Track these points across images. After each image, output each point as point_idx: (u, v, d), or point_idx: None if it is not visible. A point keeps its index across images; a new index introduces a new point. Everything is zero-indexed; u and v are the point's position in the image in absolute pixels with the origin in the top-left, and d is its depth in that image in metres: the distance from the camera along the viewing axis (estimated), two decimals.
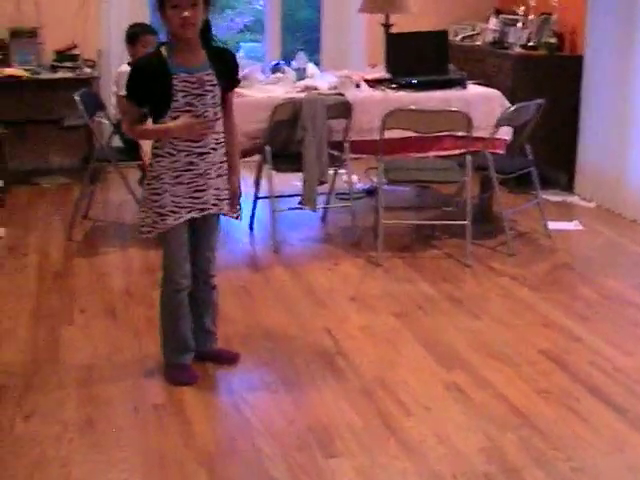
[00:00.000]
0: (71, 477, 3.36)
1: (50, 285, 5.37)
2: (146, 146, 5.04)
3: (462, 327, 4.79)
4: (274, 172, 5.96)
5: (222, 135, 3.96)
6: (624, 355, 4.45)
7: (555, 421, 3.79)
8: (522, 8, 7.98)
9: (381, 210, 5.81)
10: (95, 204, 6.83)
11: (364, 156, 6.44)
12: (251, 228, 6.45)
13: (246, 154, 6.12)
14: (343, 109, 6.01)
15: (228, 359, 4.31)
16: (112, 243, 6.18)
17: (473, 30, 8.66)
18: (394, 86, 6.41)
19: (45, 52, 7.79)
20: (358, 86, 6.38)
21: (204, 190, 3.91)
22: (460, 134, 5.87)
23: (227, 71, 3.93)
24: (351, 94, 6.17)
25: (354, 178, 6.80)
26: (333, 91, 6.26)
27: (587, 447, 3.59)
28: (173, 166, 3.85)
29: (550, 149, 7.38)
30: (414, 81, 6.39)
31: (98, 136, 6.42)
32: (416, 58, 6.66)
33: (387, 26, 7.24)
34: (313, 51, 8.63)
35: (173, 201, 3.87)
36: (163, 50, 3.80)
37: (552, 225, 6.44)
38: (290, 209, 6.27)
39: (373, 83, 6.49)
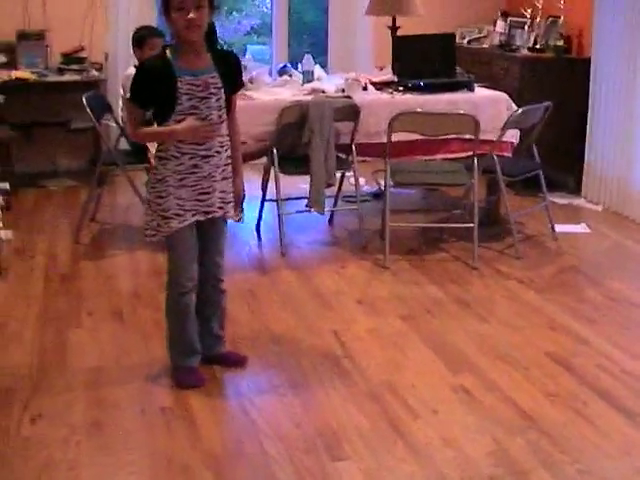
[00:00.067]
0: None
1: (57, 288, 5.37)
2: (153, 148, 5.04)
3: (469, 330, 4.79)
4: (281, 175, 5.96)
5: (227, 138, 3.96)
6: (631, 358, 4.44)
7: (562, 424, 3.78)
8: (529, 11, 7.98)
9: (388, 213, 5.81)
10: (102, 207, 6.84)
11: (370, 159, 6.46)
12: (258, 231, 6.45)
13: (253, 157, 6.13)
14: (350, 112, 6.00)
15: (235, 362, 4.31)
16: (119, 246, 6.18)
17: (480, 33, 8.66)
18: (401, 89, 6.40)
19: (52, 55, 7.80)
20: (365, 89, 6.37)
21: (209, 193, 3.91)
22: (467, 137, 5.86)
23: (231, 74, 3.93)
24: (358, 97, 6.17)
25: (361, 181, 6.79)
26: (340, 94, 6.26)
27: (594, 450, 3.58)
28: (177, 169, 3.85)
29: (557, 152, 7.36)
30: (421, 84, 6.38)
31: (105, 139, 6.43)
32: (423, 61, 6.66)
33: (394, 29, 7.24)
34: (320, 54, 8.63)
35: (178, 204, 3.87)
36: (168, 53, 3.80)
37: (559, 228, 6.44)
38: (297, 212, 6.27)
39: (380, 86, 6.49)
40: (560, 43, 7.63)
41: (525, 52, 7.82)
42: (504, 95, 6.48)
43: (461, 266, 5.79)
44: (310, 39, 10.84)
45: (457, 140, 6.15)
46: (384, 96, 6.33)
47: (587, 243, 6.38)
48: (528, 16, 7.99)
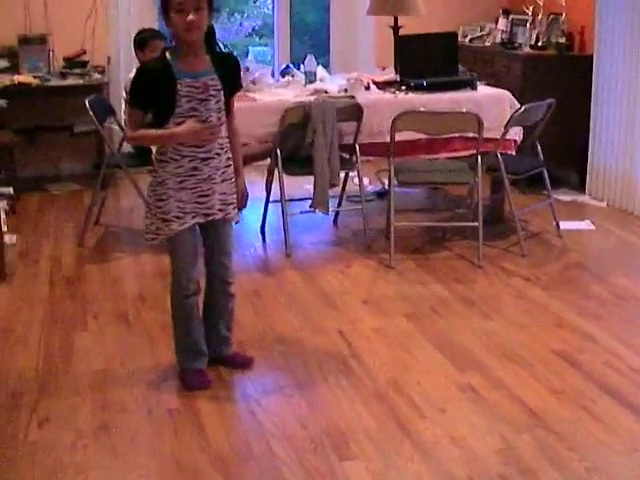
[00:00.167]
0: None
1: (62, 291, 5.38)
2: None
3: (475, 328, 4.79)
4: (285, 176, 5.96)
5: (226, 140, 3.96)
6: (638, 354, 4.44)
7: (569, 421, 3.78)
8: (531, 8, 7.98)
9: (393, 212, 5.81)
10: (106, 210, 6.85)
11: (373, 158, 6.47)
12: (263, 232, 6.44)
13: (257, 158, 6.14)
14: (353, 112, 6.00)
15: (242, 363, 4.31)
16: (124, 248, 6.19)
17: (482, 31, 8.66)
18: (404, 88, 6.41)
19: (54, 59, 7.80)
20: (368, 88, 6.38)
21: (209, 195, 3.91)
22: (470, 135, 5.87)
23: (231, 76, 3.93)
24: (361, 97, 6.17)
25: (365, 181, 6.79)
26: (343, 94, 6.27)
27: (602, 447, 3.58)
28: (177, 171, 3.85)
29: (561, 149, 7.37)
30: (424, 83, 6.39)
31: (109, 142, 6.43)
32: (425, 60, 6.66)
33: (396, 28, 7.23)
34: (322, 54, 8.63)
35: (178, 206, 3.86)
36: (167, 55, 3.80)
37: (564, 225, 6.44)
38: (302, 212, 6.27)
39: (383, 85, 6.49)
40: (562, 40, 7.63)
41: (527, 50, 7.82)
42: (507, 93, 6.48)
43: (466, 265, 5.79)
44: (312, 40, 10.83)
45: (460, 139, 6.16)
46: (387, 96, 6.33)
47: (592, 240, 6.37)
48: (530, 14, 7.99)
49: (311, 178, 5.98)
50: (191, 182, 3.86)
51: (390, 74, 6.72)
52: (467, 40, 8.61)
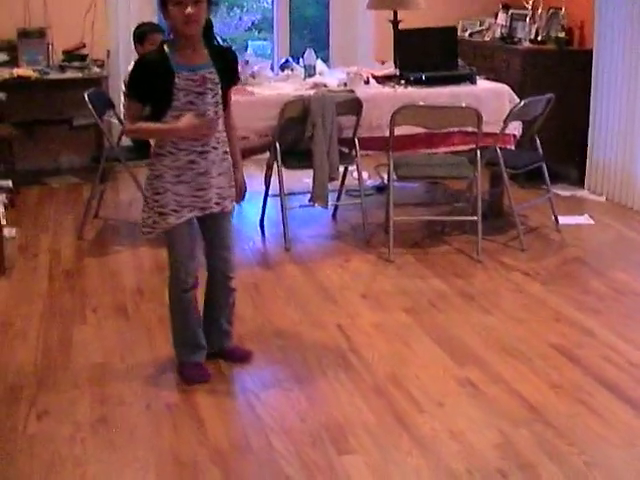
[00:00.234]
0: (86, 476, 3.36)
1: (62, 285, 5.38)
2: None
3: (474, 323, 4.79)
4: (284, 169, 5.95)
5: (223, 134, 3.96)
6: (636, 349, 4.44)
7: (568, 416, 3.78)
8: (530, 2, 7.97)
9: (392, 206, 5.81)
10: (105, 203, 6.85)
11: (372, 153, 6.47)
12: (262, 226, 6.44)
13: (256, 152, 6.14)
14: (353, 106, 6.00)
15: (241, 357, 4.31)
16: (123, 242, 6.19)
17: (482, 25, 8.64)
18: (403, 82, 6.40)
19: (54, 52, 7.79)
20: (367, 82, 6.37)
21: (205, 189, 3.90)
22: (470, 130, 5.86)
23: (228, 70, 3.93)
24: (361, 91, 6.16)
25: (364, 175, 6.79)
26: (342, 88, 6.26)
27: (600, 441, 3.58)
28: (174, 165, 3.85)
29: (560, 143, 7.37)
30: (423, 77, 6.38)
31: (108, 135, 6.42)
32: (425, 54, 6.65)
33: (395, 22, 7.22)
34: (321, 48, 8.62)
35: (175, 200, 3.86)
36: (166, 48, 3.79)
37: (563, 220, 6.44)
38: (301, 206, 6.28)
39: (382, 79, 6.49)
40: (561, 35, 7.62)
41: (527, 44, 7.81)
42: (506, 87, 6.48)
43: (465, 259, 5.79)
44: (311, 34, 10.83)
45: (460, 133, 6.15)
46: (386, 90, 6.33)
47: (591, 234, 6.37)
48: (529, 8, 7.98)
49: (310, 172, 5.98)
50: (188, 175, 3.86)
51: (389, 68, 6.71)
52: (467, 35, 8.60)
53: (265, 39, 10.85)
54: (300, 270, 5.60)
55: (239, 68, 4.14)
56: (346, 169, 6.45)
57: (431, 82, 6.37)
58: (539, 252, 5.93)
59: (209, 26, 3.84)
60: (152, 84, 3.76)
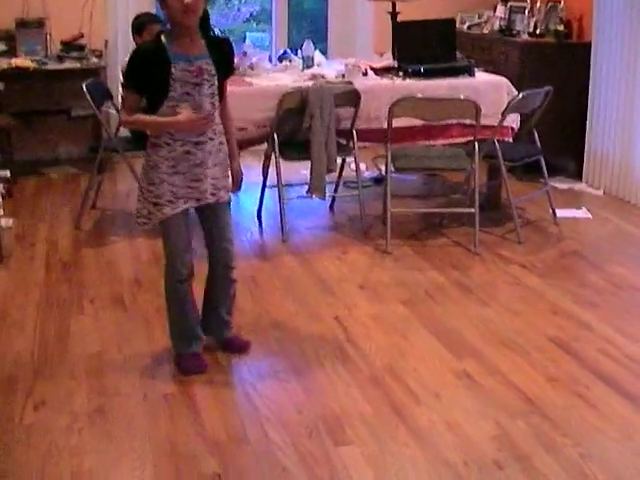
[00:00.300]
0: (82, 467, 3.36)
1: (59, 275, 5.38)
2: None
3: (471, 315, 4.79)
4: (282, 160, 5.95)
5: (220, 125, 3.96)
6: (633, 342, 4.45)
7: (564, 408, 3.79)
8: None
9: (389, 198, 5.81)
10: (103, 194, 6.85)
11: (370, 144, 6.46)
12: (259, 217, 6.44)
13: (254, 143, 6.14)
14: (351, 97, 5.99)
15: (239, 347, 4.32)
16: (120, 232, 6.18)
17: (480, 18, 8.63)
18: (401, 74, 6.39)
19: (52, 42, 7.78)
20: (365, 74, 6.36)
21: (201, 180, 3.90)
22: (468, 122, 5.86)
23: (225, 61, 3.92)
24: (359, 82, 6.16)
25: (362, 166, 6.78)
26: (341, 79, 6.25)
27: (596, 434, 3.59)
28: (170, 155, 3.84)
29: (558, 136, 7.36)
30: (422, 69, 6.37)
31: (106, 126, 6.42)
32: (424, 46, 6.64)
33: (394, 14, 7.22)
34: (320, 40, 8.60)
35: (171, 191, 3.86)
36: (163, 38, 3.78)
37: (560, 213, 6.44)
38: (298, 197, 6.28)
39: (380, 71, 6.48)
40: (560, 28, 7.61)
41: (525, 37, 7.81)
42: (505, 80, 6.47)
43: (462, 251, 5.79)
44: (310, 26, 10.81)
45: (458, 125, 6.15)
46: (384, 81, 6.32)
47: (588, 228, 6.37)
48: (528, 1, 7.98)
49: (308, 163, 5.97)
50: (184, 166, 3.85)
51: (388, 60, 6.70)
52: (465, 27, 8.58)
53: (264, 31, 10.83)
54: (297, 261, 5.60)
55: (237, 59, 4.13)
56: (344, 161, 6.44)
57: (429, 74, 6.36)
58: (536, 245, 5.93)
59: (205, 17, 3.83)
60: (149, 74, 3.75)
